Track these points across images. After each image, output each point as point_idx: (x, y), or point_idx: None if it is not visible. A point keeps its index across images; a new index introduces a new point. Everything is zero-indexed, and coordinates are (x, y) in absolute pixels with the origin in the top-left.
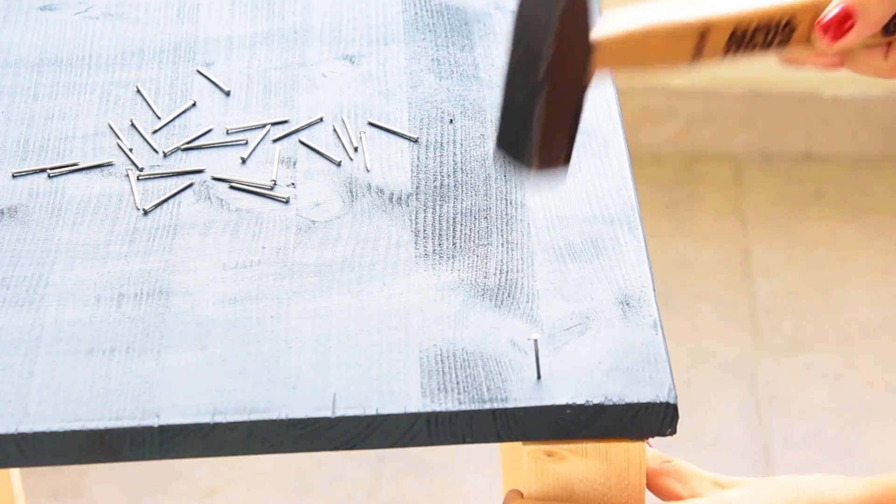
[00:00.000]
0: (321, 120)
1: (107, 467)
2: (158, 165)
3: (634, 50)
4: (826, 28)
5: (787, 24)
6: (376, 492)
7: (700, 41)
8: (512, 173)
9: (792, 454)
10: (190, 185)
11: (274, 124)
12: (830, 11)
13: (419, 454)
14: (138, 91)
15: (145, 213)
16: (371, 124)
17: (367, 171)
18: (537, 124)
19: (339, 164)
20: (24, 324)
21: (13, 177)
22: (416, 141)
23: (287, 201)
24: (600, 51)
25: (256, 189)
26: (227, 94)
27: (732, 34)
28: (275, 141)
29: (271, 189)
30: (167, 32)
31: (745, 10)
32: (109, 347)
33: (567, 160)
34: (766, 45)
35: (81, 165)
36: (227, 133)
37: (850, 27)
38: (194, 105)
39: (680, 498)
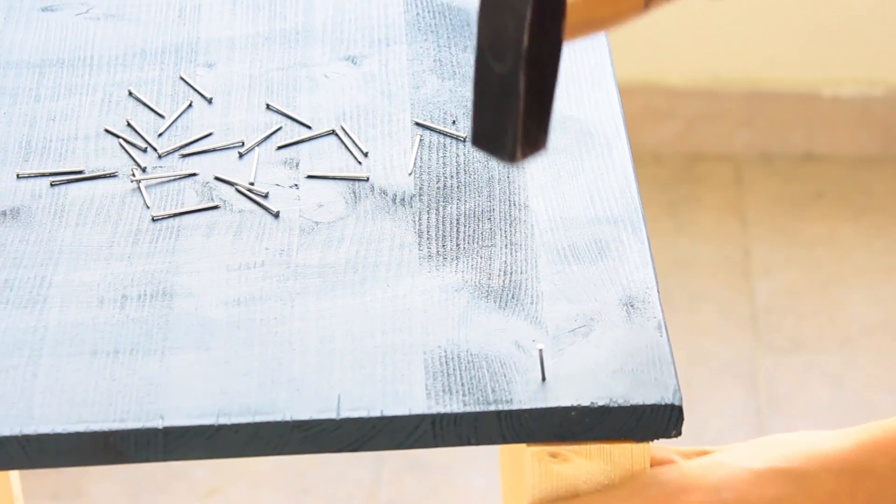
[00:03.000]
0: (333, 132)
1: (107, 467)
2: (161, 167)
3: (594, 4)
4: None
5: None
6: (376, 492)
7: None
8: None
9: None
10: (216, 207)
11: (278, 129)
12: None
13: (419, 454)
14: (131, 94)
15: (154, 220)
16: (417, 124)
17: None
18: (519, 110)
19: (276, 216)
20: (28, 325)
21: (17, 177)
22: (464, 140)
23: (277, 215)
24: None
25: (251, 195)
26: (210, 101)
27: None
28: (279, 148)
29: (265, 197)
30: (168, 33)
31: None
32: (113, 349)
33: (547, 142)
34: None
35: (86, 174)
36: (228, 135)
37: None
38: (190, 106)
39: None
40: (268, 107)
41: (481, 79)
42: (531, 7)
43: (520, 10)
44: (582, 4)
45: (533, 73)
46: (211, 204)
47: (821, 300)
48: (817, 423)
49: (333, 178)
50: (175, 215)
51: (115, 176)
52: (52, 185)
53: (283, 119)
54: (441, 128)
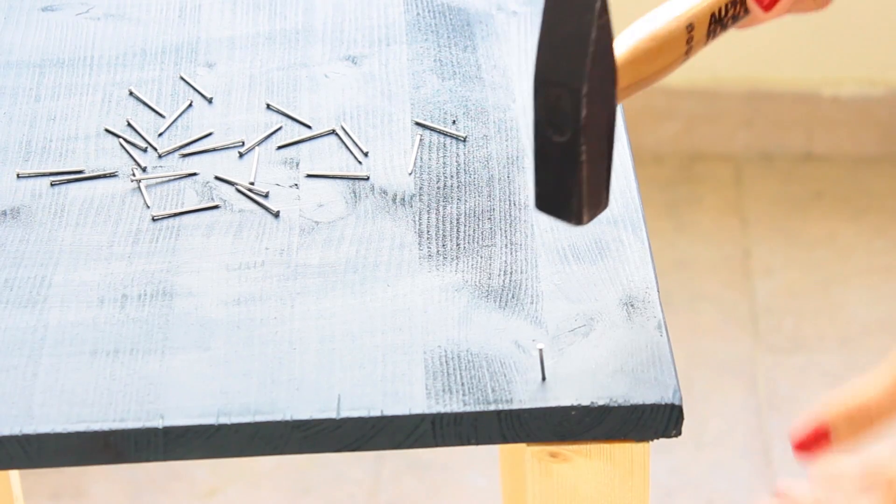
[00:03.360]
0: (333, 132)
1: (107, 467)
2: (161, 167)
3: (642, 65)
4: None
5: None
6: (376, 492)
7: (689, 35)
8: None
9: (792, 454)
10: (216, 207)
11: (278, 129)
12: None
13: (419, 454)
14: (132, 94)
15: (154, 220)
16: (417, 123)
17: (410, 173)
18: (582, 177)
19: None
20: (28, 325)
21: (18, 177)
22: (464, 140)
23: (277, 215)
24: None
25: (251, 194)
26: (210, 100)
27: (711, 18)
28: (279, 148)
29: (265, 197)
30: (169, 33)
31: None
32: (113, 349)
33: (608, 199)
34: (733, 18)
35: (86, 174)
36: (229, 135)
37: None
38: (190, 105)
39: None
40: (268, 106)
41: (542, 148)
42: (586, 82)
43: (575, 85)
44: (630, 67)
45: (592, 141)
46: (211, 203)
47: (821, 300)
48: None
49: (333, 177)
50: (175, 215)
51: (115, 176)
52: (52, 184)
53: (284, 119)
54: (441, 128)
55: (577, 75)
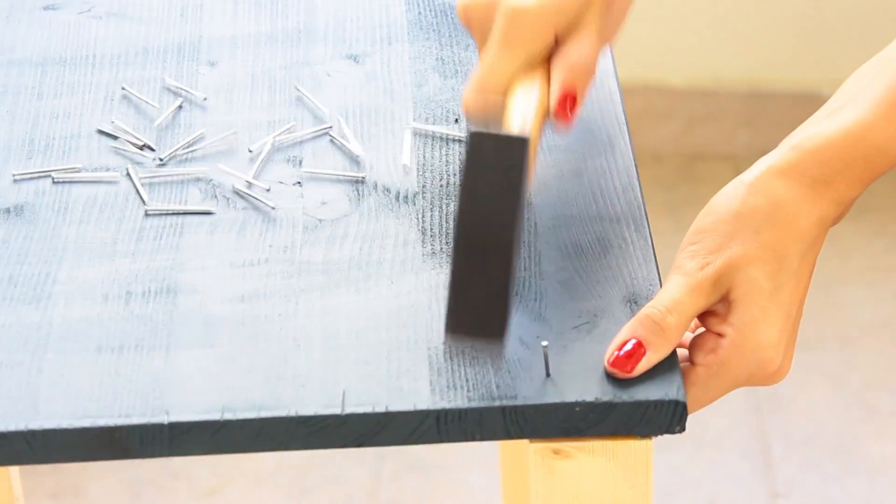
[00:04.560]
0: (335, 131)
1: (107, 467)
2: (163, 165)
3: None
4: (558, 114)
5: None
6: (377, 491)
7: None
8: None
9: (792, 454)
10: (209, 213)
11: (282, 128)
12: (554, 96)
13: (420, 454)
14: (133, 93)
15: (146, 214)
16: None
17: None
18: (507, 295)
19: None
20: (33, 321)
21: (14, 181)
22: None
23: (273, 209)
24: None
25: (253, 192)
26: (212, 99)
27: (539, 132)
28: (282, 146)
29: (268, 191)
30: (171, 32)
31: (533, 111)
32: (118, 345)
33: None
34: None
35: (88, 172)
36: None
37: (573, 106)
38: (192, 104)
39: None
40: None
41: (461, 275)
42: (515, 229)
43: (506, 237)
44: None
45: (512, 265)
46: (205, 208)
47: (821, 300)
48: (817, 422)
49: (336, 175)
50: (167, 214)
51: (117, 173)
52: (54, 181)
53: (286, 117)
54: (440, 131)
55: (508, 228)
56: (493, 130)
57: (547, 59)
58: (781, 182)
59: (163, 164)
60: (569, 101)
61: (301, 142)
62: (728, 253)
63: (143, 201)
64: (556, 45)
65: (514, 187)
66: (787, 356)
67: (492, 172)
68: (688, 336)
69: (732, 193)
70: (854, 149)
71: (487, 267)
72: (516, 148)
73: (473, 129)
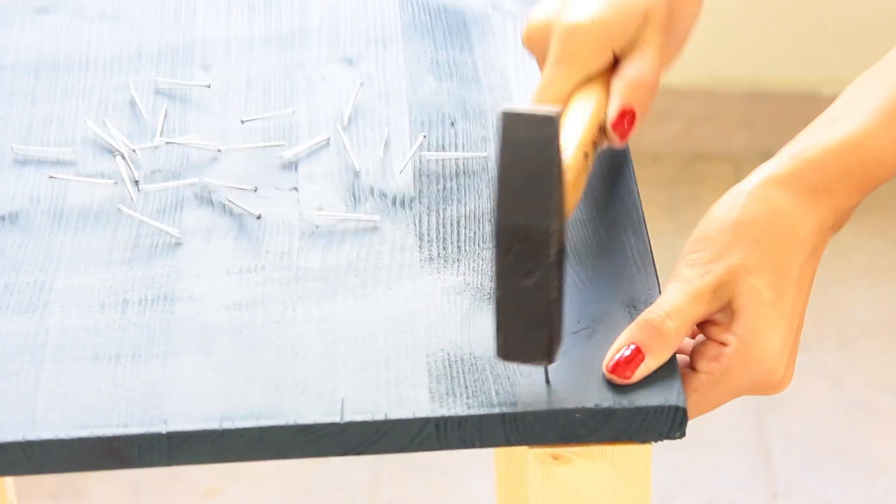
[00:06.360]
0: (331, 135)
1: None
2: (158, 170)
3: (570, 198)
4: (616, 128)
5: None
6: (377, 492)
7: (587, 163)
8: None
9: (792, 454)
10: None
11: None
12: (613, 110)
13: (420, 454)
14: (128, 97)
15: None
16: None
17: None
18: (552, 315)
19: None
20: (29, 331)
21: (15, 181)
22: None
23: (259, 217)
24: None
25: (249, 198)
26: (206, 103)
27: (594, 145)
28: (277, 152)
29: (255, 191)
30: (164, 35)
31: (586, 122)
32: (115, 354)
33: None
34: (599, 143)
35: (83, 178)
36: (226, 137)
37: (632, 122)
38: (186, 108)
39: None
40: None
41: (507, 296)
42: (554, 219)
43: (543, 225)
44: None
45: (559, 277)
46: (173, 230)
47: (821, 300)
48: (817, 422)
49: (332, 180)
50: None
51: (112, 179)
52: (49, 177)
53: (281, 121)
54: (454, 153)
55: (544, 215)
56: (522, 110)
57: (607, 77)
58: (780, 191)
59: (156, 171)
60: (626, 117)
61: (297, 146)
62: (728, 262)
63: (134, 201)
64: (616, 62)
65: (548, 168)
66: (790, 366)
67: (525, 151)
68: (688, 343)
69: (732, 202)
70: (852, 158)
71: (530, 267)
72: (546, 125)
73: (504, 108)
